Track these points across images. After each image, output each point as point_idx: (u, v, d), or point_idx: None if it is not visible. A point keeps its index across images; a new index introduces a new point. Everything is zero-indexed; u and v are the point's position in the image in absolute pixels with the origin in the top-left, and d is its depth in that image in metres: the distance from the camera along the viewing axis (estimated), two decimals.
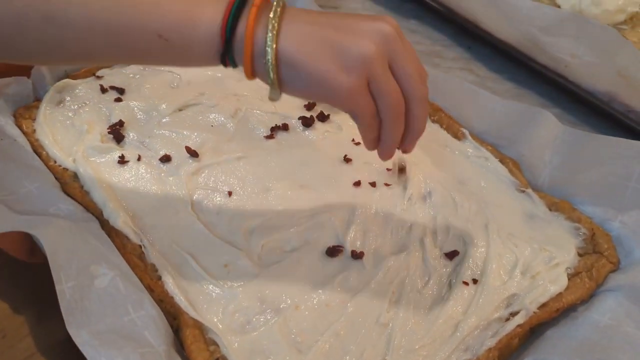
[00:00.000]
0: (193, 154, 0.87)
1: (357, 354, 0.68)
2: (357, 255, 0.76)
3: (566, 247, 0.80)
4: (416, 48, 1.16)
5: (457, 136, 0.95)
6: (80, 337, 0.59)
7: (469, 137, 0.94)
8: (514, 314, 0.72)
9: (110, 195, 0.80)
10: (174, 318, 0.71)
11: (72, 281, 0.63)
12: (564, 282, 0.76)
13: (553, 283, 0.75)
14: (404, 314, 0.72)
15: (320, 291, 0.73)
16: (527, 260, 0.78)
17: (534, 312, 0.73)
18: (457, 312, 0.72)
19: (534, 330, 0.74)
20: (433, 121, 0.98)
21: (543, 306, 0.74)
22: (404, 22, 1.26)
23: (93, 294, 0.64)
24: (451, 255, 0.78)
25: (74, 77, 0.99)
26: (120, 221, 0.77)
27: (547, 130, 0.86)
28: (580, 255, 0.81)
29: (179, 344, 0.69)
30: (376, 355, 0.68)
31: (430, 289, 0.75)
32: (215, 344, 0.68)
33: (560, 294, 0.75)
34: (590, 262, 0.79)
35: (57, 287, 0.61)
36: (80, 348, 0.59)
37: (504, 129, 0.92)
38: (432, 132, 0.96)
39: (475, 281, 0.75)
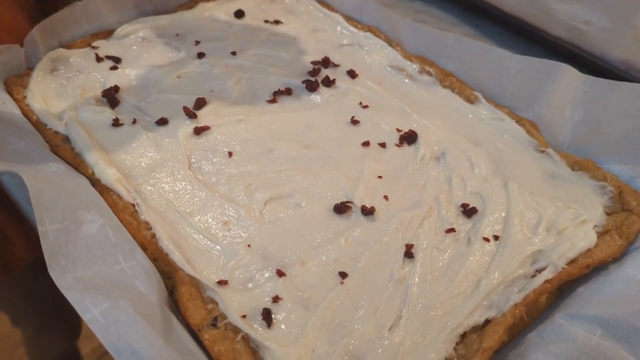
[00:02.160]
0: (191, 115, 0.82)
1: (370, 311, 0.62)
2: (367, 211, 0.71)
3: (592, 205, 0.75)
4: None
5: (470, 100, 0.90)
6: (63, 282, 0.53)
7: (483, 100, 0.89)
8: (540, 271, 0.66)
9: (103, 155, 0.75)
10: (169, 278, 0.65)
11: (57, 224, 0.57)
12: (592, 238, 0.70)
13: (581, 239, 0.69)
14: (420, 270, 0.66)
15: (328, 247, 0.67)
16: (552, 217, 0.73)
17: (563, 268, 0.66)
18: (479, 268, 0.66)
19: (563, 291, 0.68)
20: (444, 87, 0.93)
21: (572, 262, 0.68)
22: (408, 3, 1.23)
23: (80, 240, 0.58)
24: (469, 212, 0.73)
25: (69, 48, 0.95)
26: (113, 179, 0.71)
27: (567, 84, 0.81)
28: (608, 214, 0.75)
29: (175, 306, 0.63)
30: (391, 311, 0.62)
31: (448, 245, 0.69)
32: (213, 302, 0.62)
33: (589, 250, 0.69)
34: (620, 220, 0.73)
35: (40, 229, 0.56)
36: (64, 292, 0.53)
37: (519, 89, 0.87)
38: (443, 98, 0.91)
39: (496, 237, 0.70)
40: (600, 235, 0.71)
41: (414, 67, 0.96)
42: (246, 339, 0.59)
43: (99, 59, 0.93)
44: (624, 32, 0.96)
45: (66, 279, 0.54)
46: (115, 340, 0.50)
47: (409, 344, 0.59)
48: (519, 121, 0.86)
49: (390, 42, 1.01)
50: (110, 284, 0.56)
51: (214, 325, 0.60)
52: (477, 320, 0.62)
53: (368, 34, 1.03)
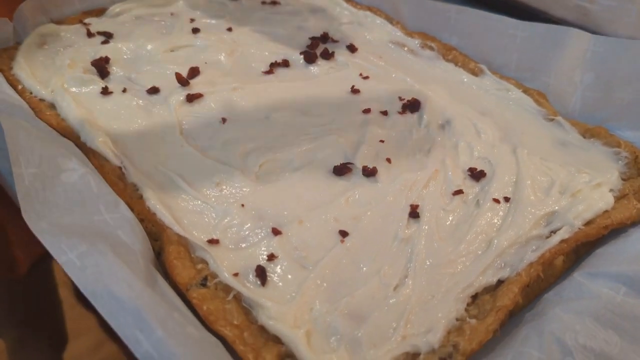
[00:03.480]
0: (183, 82, 0.78)
1: (373, 270, 0.57)
2: (369, 172, 0.66)
3: (607, 170, 0.70)
4: None
5: (475, 72, 0.87)
6: (38, 226, 0.49)
7: (488, 72, 0.85)
8: (555, 232, 0.62)
9: (89, 119, 0.71)
10: (156, 239, 0.60)
11: (34, 168, 0.53)
12: (610, 200, 0.66)
13: (598, 200, 0.65)
14: (427, 229, 0.61)
15: (328, 207, 0.63)
16: (565, 181, 0.68)
17: (580, 229, 0.62)
18: (489, 228, 0.62)
19: (580, 255, 0.63)
20: (447, 61, 0.90)
21: (589, 223, 0.63)
22: None
23: (58, 187, 0.54)
24: (477, 176, 0.68)
25: (59, 24, 0.92)
26: (99, 141, 0.67)
27: (575, 47, 0.77)
28: (624, 179, 0.70)
29: (162, 269, 0.58)
30: (396, 270, 0.57)
31: (456, 207, 0.64)
32: (203, 262, 0.57)
33: (607, 212, 0.65)
34: (638, 185, 0.69)
35: (15, 170, 0.51)
36: (38, 236, 0.48)
37: (526, 58, 0.83)
38: (446, 71, 0.88)
39: (507, 199, 0.65)
40: (618, 199, 0.67)
41: (416, 42, 0.93)
42: (238, 298, 0.54)
43: (90, 35, 0.90)
44: (629, 9, 0.93)
45: (41, 224, 0.49)
46: (91, 284, 0.45)
47: (416, 303, 0.54)
48: (526, 91, 0.82)
49: (390, 20, 0.98)
50: (89, 232, 0.51)
51: (204, 285, 0.55)
52: (489, 280, 0.57)
53: (368, 12, 1.00)
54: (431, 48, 0.91)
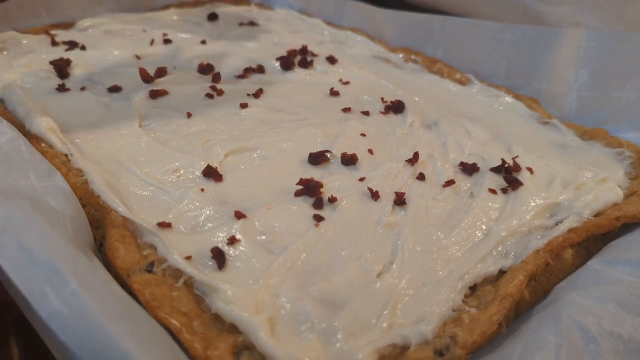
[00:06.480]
0: (148, 79, 0.72)
1: (353, 256, 0.48)
2: (348, 160, 0.59)
3: (612, 168, 0.64)
4: None
5: (462, 82, 0.82)
6: None
7: (476, 81, 0.80)
8: (561, 222, 0.54)
9: (38, 108, 0.64)
10: (98, 227, 0.51)
11: None
12: (619, 192, 0.59)
13: (606, 192, 0.58)
14: (416, 215, 0.53)
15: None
16: (567, 177, 0.61)
17: (589, 219, 0.54)
18: (487, 217, 0.54)
19: (590, 251, 0.55)
20: (432, 73, 0.85)
21: (599, 215, 0.55)
22: None
23: None
24: (470, 169, 0.61)
25: (24, 33, 0.87)
26: (45, 127, 0.59)
27: (568, 45, 0.73)
28: (630, 179, 0.64)
29: (104, 261, 0.49)
30: (380, 257, 0.48)
31: (447, 196, 0.57)
32: (151, 247, 0.48)
33: (617, 204, 0.57)
34: None
35: None
36: None
37: (515, 63, 0.79)
38: (432, 81, 0.83)
39: (504, 190, 0.58)
40: (627, 196, 0.60)
41: (399, 56, 0.89)
42: (189, 285, 0.45)
43: (54, 43, 0.84)
44: (616, 29, 0.91)
45: None
46: None
47: (404, 290, 0.45)
48: (517, 97, 0.77)
49: (372, 39, 0.95)
50: (11, 193, 0.42)
51: (149, 271, 0.46)
52: (489, 269, 0.48)
53: (349, 32, 0.97)
54: (415, 61, 0.87)
